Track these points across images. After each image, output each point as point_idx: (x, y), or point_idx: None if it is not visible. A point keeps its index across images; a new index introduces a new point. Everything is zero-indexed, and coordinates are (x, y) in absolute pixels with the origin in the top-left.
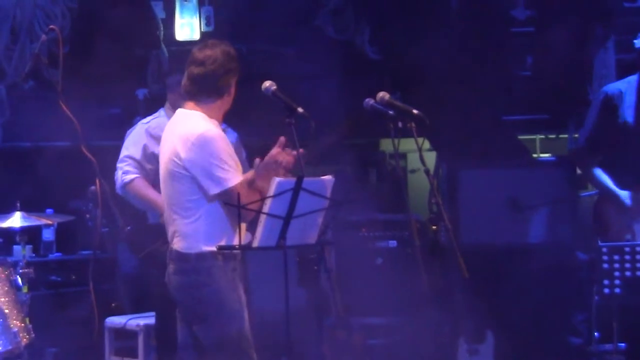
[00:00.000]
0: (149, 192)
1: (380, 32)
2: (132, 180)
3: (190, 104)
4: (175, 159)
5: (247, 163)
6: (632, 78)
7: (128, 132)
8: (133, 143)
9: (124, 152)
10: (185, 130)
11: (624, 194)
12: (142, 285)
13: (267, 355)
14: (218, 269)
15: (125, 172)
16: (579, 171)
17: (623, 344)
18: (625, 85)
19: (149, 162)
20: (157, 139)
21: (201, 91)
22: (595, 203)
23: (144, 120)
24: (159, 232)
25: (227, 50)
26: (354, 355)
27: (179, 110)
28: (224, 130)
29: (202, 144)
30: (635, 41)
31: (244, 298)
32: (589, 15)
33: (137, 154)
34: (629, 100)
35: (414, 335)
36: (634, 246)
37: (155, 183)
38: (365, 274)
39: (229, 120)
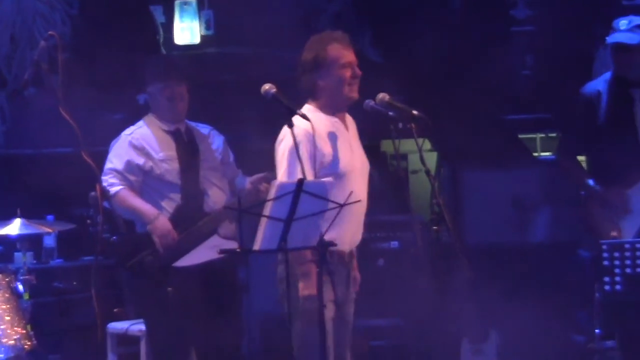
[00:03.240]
0: (135, 201)
1: (381, 34)
2: (117, 192)
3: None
4: None
5: (235, 165)
6: (608, 75)
7: (112, 143)
8: (116, 155)
9: (107, 164)
10: None
11: (603, 190)
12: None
13: (269, 358)
14: None
15: (110, 185)
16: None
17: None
18: (602, 84)
19: (132, 174)
20: (140, 150)
21: (304, 94)
22: (582, 201)
23: (127, 132)
24: (146, 242)
25: (308, 45)
26: (358, 357)
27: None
28: (207, 135)
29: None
30: (606, 38)
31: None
32: (589, 13)
33: (121, 166)
34: (606, 99)
35: (418, 336)
36: (634, 243)
37: (141, 194)
38: (367, 275)
39: (227, 123)
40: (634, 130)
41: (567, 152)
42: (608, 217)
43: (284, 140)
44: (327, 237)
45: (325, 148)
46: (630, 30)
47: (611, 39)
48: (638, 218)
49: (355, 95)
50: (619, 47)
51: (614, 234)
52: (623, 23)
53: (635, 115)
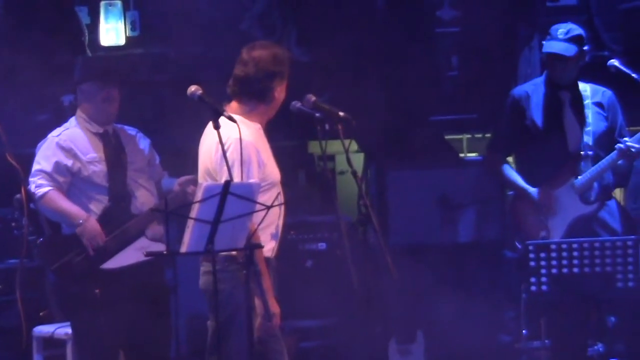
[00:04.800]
0: (64, 203)
1: (306, 34)
2: (45, 194)
3: (233, 104)
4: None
5: (161, 168)
6: (539, 80)
7: (39, 145)
8: (44, 157)
9: (35, 166)
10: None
11: (533, 190)
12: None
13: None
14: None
15: (38, 186)
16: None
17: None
18: (532, 87)
19: (61, 175)
20: (68, 151)
21: (242, 93)
22: (510, 202)
23: (54, 133)
24: (73, 243)
25: (277, 53)
26: (287, 358)
27: (222, 118)
28: (134, 137)
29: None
30: (543, 42)
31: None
32: (514, 14)
33: (49, 168)
34: (536, 102)
35: (346, 337)
36: (560, 243)
37: (68, 195)
38: (295, 276)
39: (155, 124)
40: (563, 132)
41: (496, 152)
42: (536, 217)
43: (233, 146)
44: (270, 247)
45: (264, 157)
46: (567, 40)
47: (549, 48)
48: (567, 218)
49: None
50: (556, 57)
51: (543, 233)
52: (561, 32)
53: (564, 117)
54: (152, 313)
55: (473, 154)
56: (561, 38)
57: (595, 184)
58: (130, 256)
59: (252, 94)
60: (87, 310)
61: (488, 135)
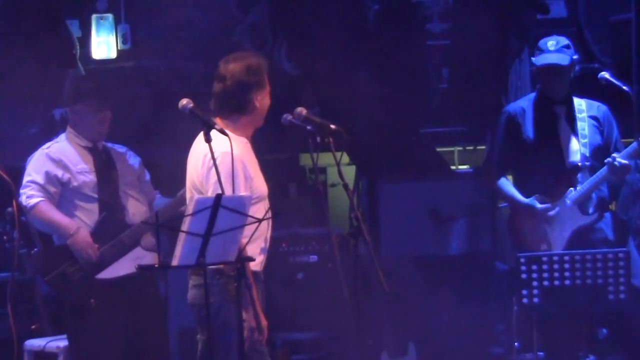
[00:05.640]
0: (54, 214)
1: (297, 46)
2: (36, 204)
3: (217, 120)
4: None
5: (151, 185)
6: (532, 96)
7: (29, 158)
8: (35, 169)
9: (26, 177)
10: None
11: (532, 200)
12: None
13: None
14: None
15: (29, 197)
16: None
17: (542, 353)
18: (526, 103)
19: (52, 186)
20: (58, 162)
21: (223, 108)
22: (510, 216)
23: (44, 146)
24: (67, 254)
25: (250, 64)
26: None
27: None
28: (124, 154)
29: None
30: (532, 58)
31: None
32: (504, 27)
33: (40, 179)
34: (531, 117)
35: (337, 350)
36: (551, 256)
37: (57, 206)
38: (286, 289)
39: (146, 137)
40: (559, 145)
41: (493, 168)
42: (537, 231)
43: (220, 159)
44: (258, 261)
45: (250, 171)
46: (558, 51)
47: (543, 60)
48: (567, 230)
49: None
50: (551, 68)
51: (544, 247)
52: (551, 44)
53: (559, 131)
54: (148, 323)
55: (464, 167)
56: (552, 49)
57: (594, 195)
58: (125, 266)
59: (232, 108)
60: (83, 321)
61: (479, 147)
